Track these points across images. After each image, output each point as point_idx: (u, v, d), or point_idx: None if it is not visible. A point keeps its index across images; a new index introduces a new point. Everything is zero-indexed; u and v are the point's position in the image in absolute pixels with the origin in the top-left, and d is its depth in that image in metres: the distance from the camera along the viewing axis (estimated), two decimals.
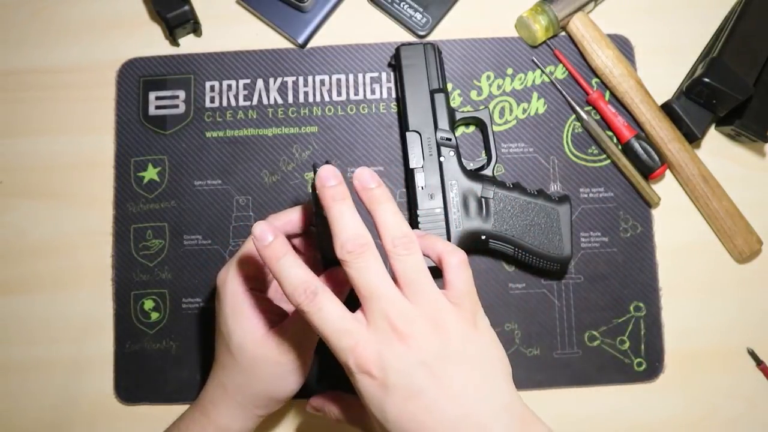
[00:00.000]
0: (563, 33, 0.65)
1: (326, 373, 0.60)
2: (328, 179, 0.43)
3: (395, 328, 0.41)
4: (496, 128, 0.63)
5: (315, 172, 0.48)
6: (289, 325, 0.49)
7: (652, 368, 0.60)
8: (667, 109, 0.62)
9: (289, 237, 0.53)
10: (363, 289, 0.42)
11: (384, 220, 0.43)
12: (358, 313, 0.42)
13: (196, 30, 0.66)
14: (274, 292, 0.54)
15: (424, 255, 0.44)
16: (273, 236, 0.43)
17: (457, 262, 0.44)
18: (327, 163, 0.48)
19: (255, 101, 0.65)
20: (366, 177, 0.44)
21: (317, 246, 0.48)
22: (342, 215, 0.42)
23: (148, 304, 0.62)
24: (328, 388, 0.60)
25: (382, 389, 0.40)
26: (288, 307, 0.53)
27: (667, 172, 0.63)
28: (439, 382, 0.40)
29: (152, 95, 0.65)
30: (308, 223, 0.52)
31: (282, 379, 0.50)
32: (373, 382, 0.41)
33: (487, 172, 0.60)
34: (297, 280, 0.42)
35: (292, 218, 0.52)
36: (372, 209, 0.44)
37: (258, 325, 0.49)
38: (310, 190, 0.48)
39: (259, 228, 0.43)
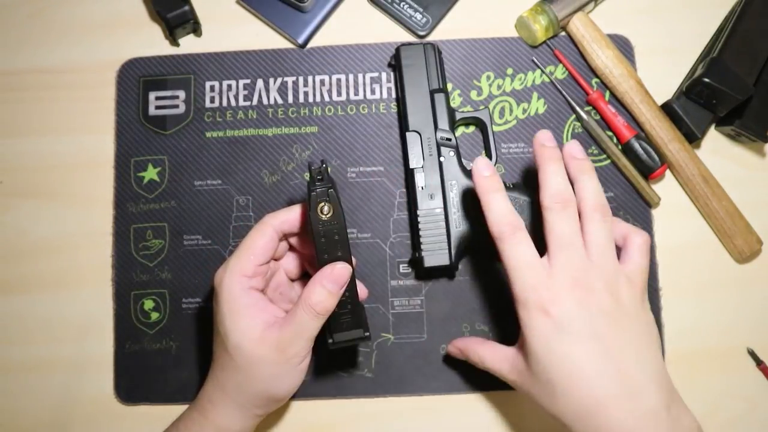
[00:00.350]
0: (563, 33, 0.65)
1: (325, 374, 0.60)
2: (547, 140, 0.50)
3: (576, 279, 0.46)
4: (496, 128, 0.63)
5: (310, 170, 0.48)
6: (287, 324, 0.48)
7: None
8: (667, 109, 0.62)
9: (286, 236, 0.53)
10: (556, 238, 0.47)
11: (587, 186, 0.49)
12: (544, 258, 0.47)
13: (196, 30, 0.66)
14: (272, 292, 0.54)
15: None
16: (491, 172, 0.50)
17: (641, 242, 0.49)
18: (323, 162, 0.48)
19: (255, 101, 0.65)
20: (576, 149, 0.50)
21: (314, 247, 0.48)
22: (556, 172, 0.49)
23: (148, 304, 0.62)
24: (326, 388, 0.60)
25: (554, 328, 0.45)
26: (286, 307, 0.53)
27: (667, 172, 0.63)
28: (606, 337, 0.45)
29: (152, 95, 0.65)
30: (305, 222, 0.52)
31: (280, 379, 0.50)
32: (547, 321, 0.45)
33: None
34: (505, 212, 0.48)
35: (289, 217, 0.52)
36: (577, 176, 0.49)
37: (255, 324, 0.49)
38: (307, 189, 0.48)
39: (483, 162, 0.50)
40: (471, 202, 0.57)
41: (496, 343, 0.52)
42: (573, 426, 0.45)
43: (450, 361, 0.60)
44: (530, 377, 0.47)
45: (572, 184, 0.49)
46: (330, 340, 0.51)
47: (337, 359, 0.60)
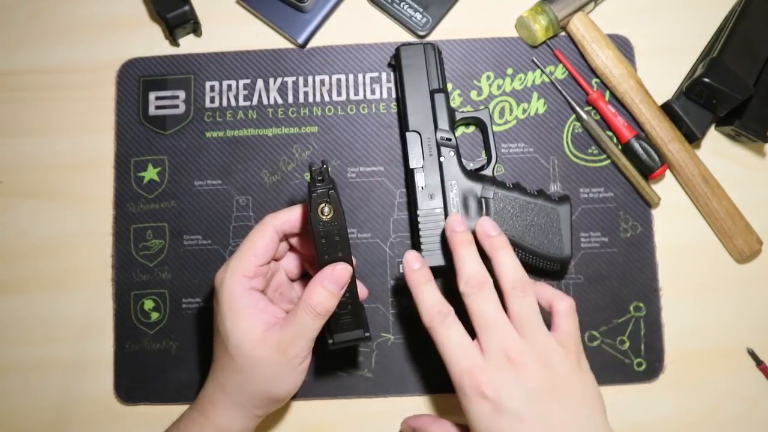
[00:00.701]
0: (563, 33, 0.65)
1: (325, 374, 0.60)
2: (457, 225, 0.52)
3: (510, 358, 0.46)
4: (496, 128, 0.63)
5: (311, 171, 0.48)
6: (287, 325, 0.48)
7: (652, 368, 0.60)
8: (667, 109, 0.62)
9: (287, 236, 0.53)
10: (481, 320, 0.48)
11: (503, 263, 0.50)
12: (475, 341, 0.48)
13: (196, 30, 0.66)
14: (272, 292, 0.54)
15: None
16: (420, 264, 0.51)
17: (566, 308, 0.50)
18: (324, 163, 0.48)
19: (255, 101, 0.65)
20: (488, 226, 0.52)
21: (315, 247, 0.48)
22: (467, 256, 0.50)
23: (148, 304, 0.62)
24: (326, 388, 0.60)
25: (494, 411, 0.45)
26: (286, 307, 0.53)
27: (667, 172, 0.63)
28: (546, 412, 0.45)
29: (152, 95, 0.65)
30: (306, 223, 0.52)
31: (280, 380, 0.50)
32: (485, 404, 0.45)
33: (487, 172, 0.60)
34: (433, 303, 0.49)
35: (290, 217, 0.52)
36: (492, 254, 0.51)
37: (256, 325, 0.49)
38: (308, 190, 0.48)
39: (412, 256, 0.52)
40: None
41: (448, 423, 0.53)
42: None
43: None
44: None
45: (491, 261, 0.51)
46: (330, 341, 0.51)
47: (337, 359, 0.60)
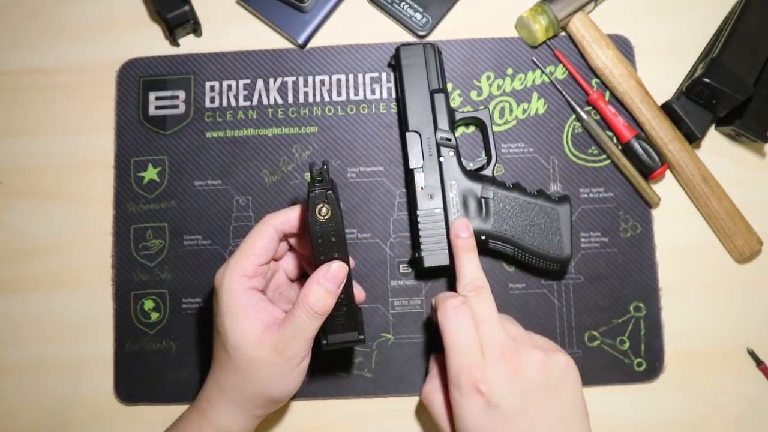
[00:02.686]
0: (563, 33, 0.65)
1: (325, 374, 0.60)
2: (462, 230, 0.55)
3: (504, 356, 0.47)
4: (496, 128, 0.63)
5: (311, 172, 0.48)
6: (285, 325, 0.48)
7: (652, 368, 0.60)
8: (667, 109, 0.62)
9: (287, 236, 0.53)
10: (478, 318, 0.49)
11: (464, 264, 0.53)
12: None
13: (196, 30, 0.66)
14: (272, 292, 0.54)
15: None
16: (469, 234, 0.54)
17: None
18: (324, 164, 0.48)
19: (255, 101, 0.65)
20: (460, 226, 0.55)
21: (311, 248, 0.48)
22: (468, 261, 0.53)
23: (148, 304, 0.62)
24: (326, 388, 0.60)
25: (486, 406, 0.46)
26: (285, 307, 0.53)
27: (667, 173, 0.63)
28: (536, 412, 0.46)
29: (152, 95, 0.65)
30: (304, 223, 0.52)
31: (279, 380, 0.50)
32: (479, 399, 0.46)
33: (487, 172, 0.60)
34: (473, 274, 0.52)
35: (289, 217, 0.52)
36: (456, 254, 0.54)
37: (255, 325, 0.49)
38: (307, 190, 0.48)
39: (463, 223, 0.55)
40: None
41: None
42: None
43: None
44: None
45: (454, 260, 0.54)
46: (324, 341, 0.51)
47: (336, 359, 0.60)
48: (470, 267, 0.52)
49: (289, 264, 0.56)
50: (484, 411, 0.46)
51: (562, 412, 0.47)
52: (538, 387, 0.47)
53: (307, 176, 0.63)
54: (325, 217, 0.47)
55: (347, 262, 0.49)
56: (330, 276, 0.48)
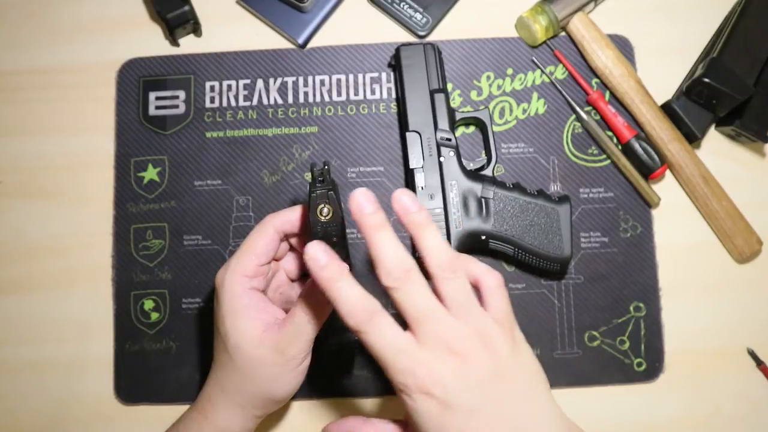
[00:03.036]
0: (563, 33, 0.65)
1: (325, 374, 0.60)
2: (365, 206, 0.43)
3: (451, 348, 0.41)
4: (496, 128, 0.63)
5: (313, 172, 0.48)
6: (285, 325, 0.48)
7: (652, 368, 0.60)
8: (667, 109, 0.62)
9: (288, 236, 0.53)
10: (413, 312, 0.42)
11: (429, 244, 0.43)
12: (408, 334, 0.42)
13: (196, 30, 0.66)
14: (272, 293, 0.54)
15: None
16: (328, 258, 0.43)
17: (495, 284, 0.45)
18: (326, 164, 0.48)
19: (255, 101, 0.65)
20: (407, 202, 0.44)
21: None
22: (384, 243, 0.42)
23: (148, 304, 0.62)
24: (326, 388, 0.60)
25: (442, 409, 0.41)
26: (286, 307, 0.53)
27: (667, 173, 0.63)
28: (496, 399, 0.41)
29: (152, 95, 0.65)
30: (305, 223, 0.52)
31: (279, 380, 0.50)
32: (432, 402, 0.41)
33: (487, 172, 0.60)
34: (355, 301, 0.42)
35: (290, 217, 0.52)
36: (415, 234, 0.44)
37: (255, 325, 0.49)
38: (308, 191, 0.48)
39: (313, 249, 0.43)
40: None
41: (379, 422, 0.48)
42: None
43: None
44: None
45: (413, 241, 0.44)
46: (326, 342, 0.51)
47: (336, 359, 0.60)
48: (389, 248, 0.42)
49: (289, 264, 0.56)
50: (441, 414, 0.41)
51: (523, 387, 0.43)
52: (494, 372, 0.42)
53: (308, 176, 0.63)
54: (327, 218, 0.47)
55: (348, 263, 0.49)
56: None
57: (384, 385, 0.60)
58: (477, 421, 0.41)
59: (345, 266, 0.44)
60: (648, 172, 0.61)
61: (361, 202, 0.43)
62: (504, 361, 0.42)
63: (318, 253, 0.43)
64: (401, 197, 0.44)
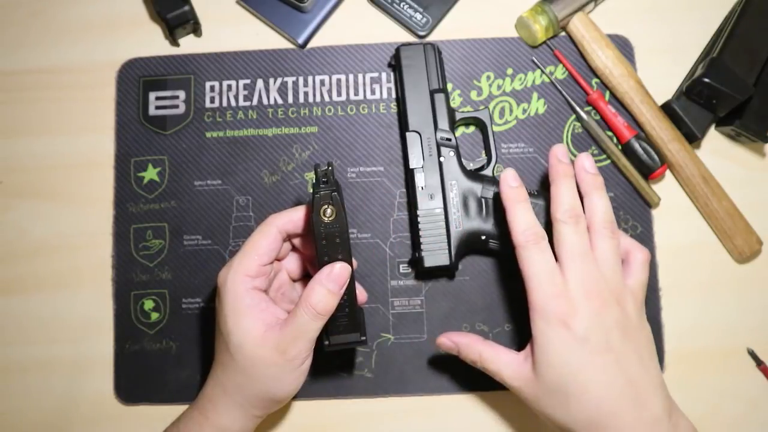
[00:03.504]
0: (563, 33, 0.65)
1: (325, 374, 0.60)
2: (511, 179, 0.52)
3: (589, 290, 0.47)
4: (496, 128, 0.63)
5: (316, 172, 0.48)
6: (287, 325, 0.48)
7: None
8: (667, 109, 0.62)
9: (290, 236, 0.53)
10: (570, 249, 0.49)
11: (598, 203, 0.51)
12: (559, 267, 0.49)
13: (196, 30, 0.66)
14: (274, 292, 0.54)
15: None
16: (518, 183, 0.52)
17: (642, 259, 0.51)
18: (329, 165, 0.48)
19: (255, 101, 0.65)
20: (588, 163, 0.52)
21: (315, 248, 0.48)
22: (568, 188, 0.51)
23: (148, 304, 0.62)
24: (326, 388, 0.60)
25: (573, 341, 0.46)
26: (287, 307, 0.53)
27: (667, 173, 0.63)
28: (620, 348, 0.47)
29: (152, 95, 0.65)
30: (308, 224, 0.52)
31: (280, 380, 0.50)
32: (567, 333, 0.47)
33: (487, 172, 0.60)
34: (529, 223, 0.50)
35: (293, 217, 0.52)
36: (588, 192, 0.51)
37: (257, 324, 0.49)
38: (311, 191, 0.48)
39: (511, 173, 0.52)
40: (495, 205, 0.58)
41: (499, 346, 0.52)
42: None
43: (450, 360, 0.59)
44: (538, 385, 0.48)
45: (582, 197, 0.51)
46: (326, 342, 0.51)
47: (336, 359, 0.60)
48: (570, 193, 0.51)
49: (291, 264, 0.56)
50: (571, 344, 0.47)
51: (642, 352, 0.48)
52: (622, 326, 0.47)
53: (308, 176, 0.63)
54: (330, 218, 0.47)
55: (350, 264, 0.49)
56: (333, 277, 0.48)
57: (384, 386, 0.60)
58: (599, 361, 0.46)
59: (525, 193, 0.52)
60: (648, 172, 0.61)
61: (508, 176, 0.52)
62: (629, 321, 0.48)
63: (509, 176, 0.52)
64: (585, 159, 0.52)
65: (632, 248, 0.52)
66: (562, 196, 0.50)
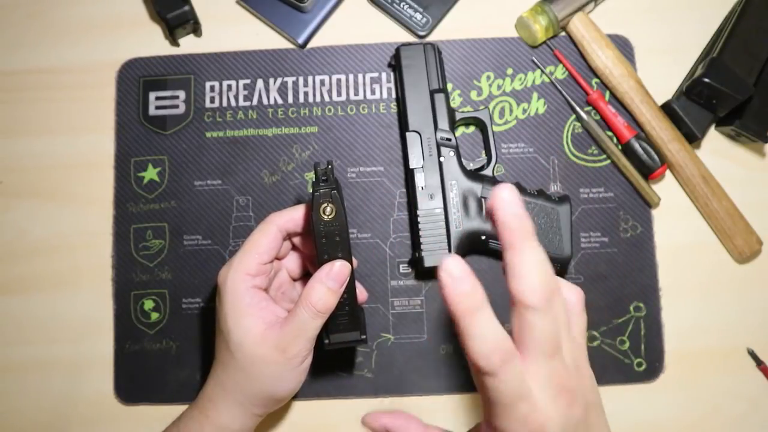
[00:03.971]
0: (563, 33, 0.65)
1: (325, 374, 0.60)
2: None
3: (561, 387, 0.37)
4: (496, 128, 0.63)
5: (316, 171, 0.48)
6: (287, 324, 0.49)
7: (652, 368, 0.60)
8: (667, 109, 0.62)
9: (290, 235, 0.53)
10: (538, 344, 0.36)
11: (528, 263, 0.36)
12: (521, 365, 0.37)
13: (196, 30, 0.66)
14: (274, 291, 0.54)
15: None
16: (470, 285, 0.35)
17: (577, 300, 0.42)
18: (329, 164, 0.48)
19: (255, 101, 0.65)
20: (510, 200, 0.36)
21: (315, 247, 0.48)
22: (542, 260, 0.36)
23: (148, 304, 0.62)
24: (326, 388, 0.60)
25: None
26: (287, 306, 0.53)
27: (667, 173, 0.63)
28: (589, 427, 0.38)
29: (152, 95, 0.65)
30: (308, 222, 0.52)
31: (280, 379, 0.50)
32: None
33: (487, 172, 0.60)
34: (493, 340, 0.35)
35: (294, 216, 0.52)
36: (512, 245, 0.36)
37: (257, 323, 0.49)
38: (310, 191, 0.48)
39: (453, 264, 0.35)
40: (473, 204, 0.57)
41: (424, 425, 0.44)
42: None
43: (450, 361, 0.60)
44: None
45: (504, 251, 0.37)
46: (326, 341, 0.51)
47: (337, 359, 0.60)
48: (544, 266, 0.36)
49: (291, 263, 0.56)
50: None
51: (599, 410, 0.40)
52: (588, 405, 0.39)
53: (308, 176, 0.63)
54: (330, 217, 0.48)
55: (350, 262, 0.49)
56: (333, 275, 0.48)
57: (384, 386, 0.60)
58: None
59: (483, 293, 0.36)
60: (648, 172, 0.61)
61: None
62: (593, 392, 0.40)
63: (455, 270, 0.35)
64: (506, 194, 0.36)
65: (564, 291, 0.41)
66: (530, 269, 0.35)
